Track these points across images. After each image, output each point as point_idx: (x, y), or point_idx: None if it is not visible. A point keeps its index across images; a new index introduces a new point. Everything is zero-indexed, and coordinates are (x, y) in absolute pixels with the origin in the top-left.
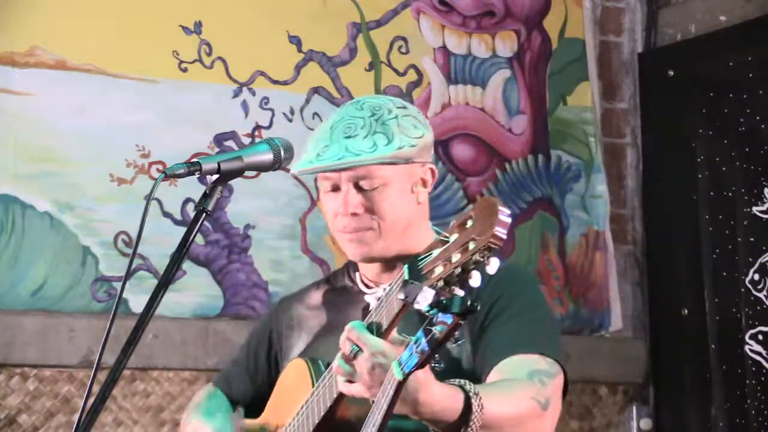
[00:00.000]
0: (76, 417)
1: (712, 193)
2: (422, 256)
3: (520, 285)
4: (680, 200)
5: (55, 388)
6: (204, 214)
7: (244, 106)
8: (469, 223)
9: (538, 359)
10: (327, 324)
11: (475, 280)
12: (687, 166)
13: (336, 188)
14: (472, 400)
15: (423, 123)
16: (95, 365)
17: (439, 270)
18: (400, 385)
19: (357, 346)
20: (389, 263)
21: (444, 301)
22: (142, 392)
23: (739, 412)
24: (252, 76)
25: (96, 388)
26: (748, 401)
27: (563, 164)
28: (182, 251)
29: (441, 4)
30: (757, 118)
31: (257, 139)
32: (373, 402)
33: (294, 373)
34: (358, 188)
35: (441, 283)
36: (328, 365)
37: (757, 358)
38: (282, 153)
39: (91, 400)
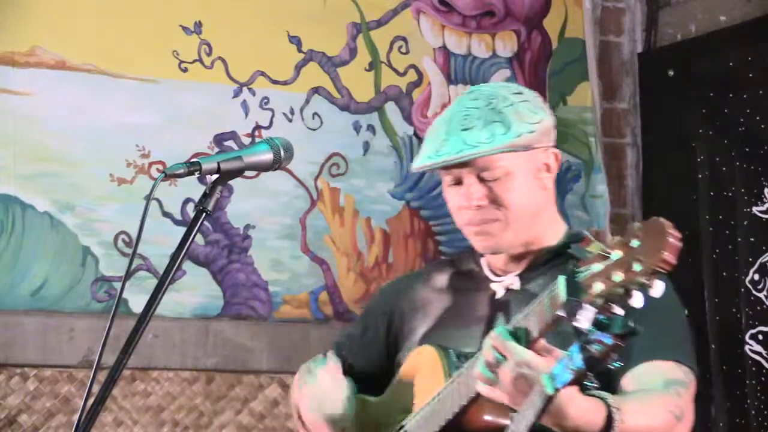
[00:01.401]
0: (76, 417)
1: (712, 193)
2: (580, 269)
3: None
4: (680, 200)
5: (55, 388)
6: (204, 213)
7: (244, 106)
8: (635, 242)
9: (674, 367)
10: (451, 308)
11: (637, 301)
12: (687, 166)
13: (458, 181)
14: (614, 415)
15: (541, 107)
16: (95, 365)
17: (599, 287)
18: (550, 399)
19: (501, 354)
20: (517, 255)
21: (603, 320)
22: (142, 392)
23: (739, 412)
24: (252, 76)
25: (96, 388)
26: (748, 401)
27: (563, 164)
28: (182, 251)
29: (441, 4)
30: (758, 117)
31: (257, 139)
32: (514, 412)
33: (423, 360)
34: (481, 180)
35: (600, 301)
36: (458, 356)
37: (757, 358)
38: (282, 153)
39: (91, 400)
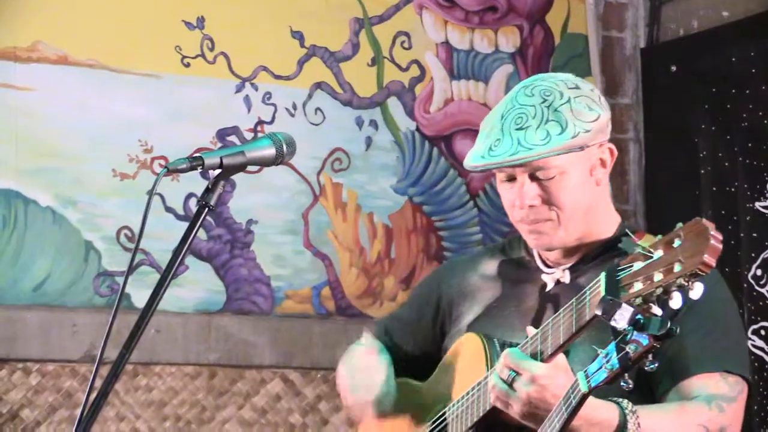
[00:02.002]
0: (78, 412)
1: (714, 189)
2: (622, 267)
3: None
4: (683, 195)
5: (57, 383)
6: (206, 209)
7: (247, 101)
8: (677, 242)
9: (719, 380)
10: (501, 297)
11: (676, 301)
12: (689, 161)
13: (512, 178)
14: (628, 418)
15: (598, 102)
16: (97, 360)
17: (638, 286)
18: (585, 397)
19: (515, 371)
20: (571, 248)
21: (641, 320)
22: (145, 387)
23: None
24: (254, 71)
25: (98, 383)
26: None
27: None
28: (185, 246)
29: (443, 0)
30: (760, 113)
31: (260, 134)
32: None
33: (468, 348)
34: (534, 178)
35: (639, 300)
36: (503, 345)
37: (760, 353)
38: (284, 148)
39: (94, 395)
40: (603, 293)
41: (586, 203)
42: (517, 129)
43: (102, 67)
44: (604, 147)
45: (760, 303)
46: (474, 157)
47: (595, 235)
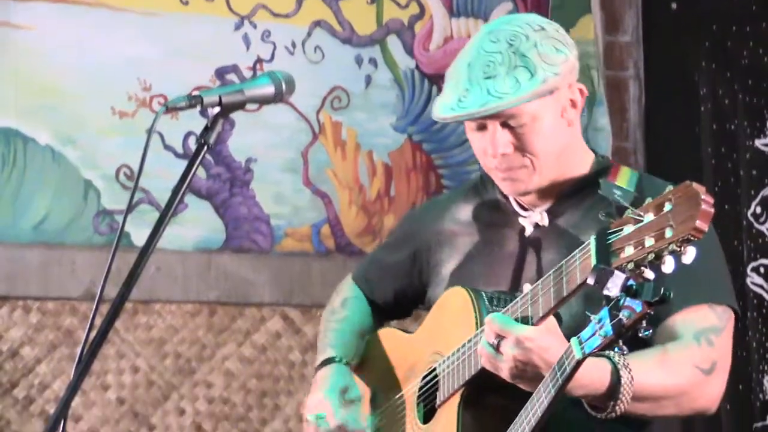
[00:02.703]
0: (78, 349)
1: (714, 126)
2: (612, 231)
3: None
4: (682, 133)
5: (57, 321)
6: (205, 147)
7: (246, 39)
8: (668, 206)
9: (707, 312)
10: (480, 243)
11: (668, 266)
12: (689, 99)
13: (482, 127)
14: (621, 372)
15: (564, 42)
16: (97, 298)
17: (629, 251)
18: (579, 363)
19: (501, 336)
20: (545, 189)
21: (634, 286)
22: (145, 325)
23: (741, 344)
24: (253, 8)
25: (98, 321)
26: (749, 333)
27: None
28: (184, 184)
29: None
30: (760, 51)
31: (259, 73)
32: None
33: (456, 302)
34: (506, 125)
35: (631, 266)
36: (491, 299)
37: (759, 290)
38: (283, 86)
39: (94, 333)
40: (594, 258)
41: (559, 146)
42: (485, 78)
43: (101, 5)
44: (574, 87)
45: (760, 240)
46: (443, 109)
47: (568, 173)
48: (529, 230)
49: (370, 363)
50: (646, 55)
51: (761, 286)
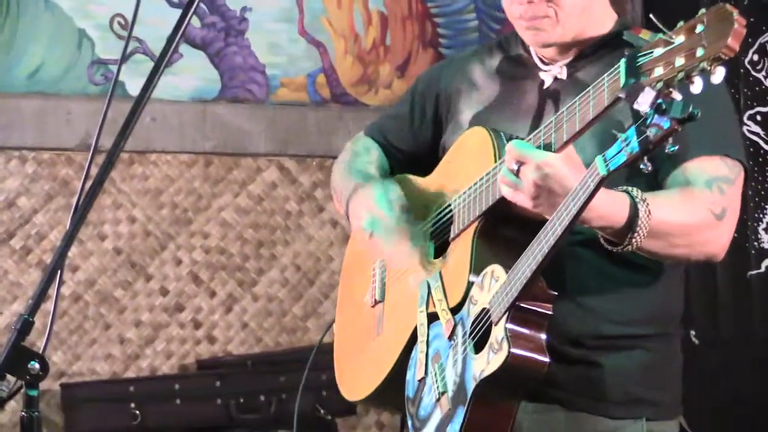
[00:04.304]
0: (74, 199)
1: None
2: (642, 53)
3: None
4: None
5: (53, 171)
6: None
7: None
8: (700, 27)
9: (719, 163)
10: (500, 95)
11: (697, 86)
12: None
13: None
14: (639, 206)
15: None
16: (93, 148)
17: (659, 71)
18: (602, 180)
19: (521, 162)
20: (567, 45)
21: (662, 104)
22: (141, 175)
23: None
24: None
25: (94, 171)
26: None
27: None
28: (178, 33)
29: None
30: None
31: None
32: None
33: (474, 140)
34: None
35: (660, 85)
36: (510, 137)
37: (755, 138)
38: None
39: (90, 183)
40: (623, 78)
41: (583, 1)
42: None
43: None
44: None
45: (756, 88)
46: None
47: (590, 32)
48: (548, 82)
49: None
50: None
51: (757, 134)
